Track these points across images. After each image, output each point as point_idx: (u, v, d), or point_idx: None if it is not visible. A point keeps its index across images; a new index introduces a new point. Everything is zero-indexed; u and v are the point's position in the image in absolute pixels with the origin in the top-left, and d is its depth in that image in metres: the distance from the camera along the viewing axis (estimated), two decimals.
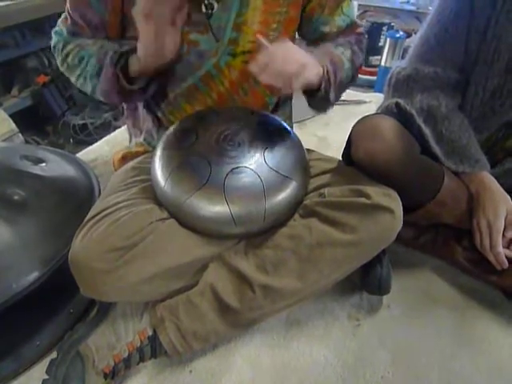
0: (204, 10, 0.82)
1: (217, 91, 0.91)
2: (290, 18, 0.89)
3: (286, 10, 0.87)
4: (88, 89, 0.87)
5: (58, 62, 0.90)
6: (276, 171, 0.79)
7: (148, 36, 0.73)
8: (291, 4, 0.87)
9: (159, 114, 0.95)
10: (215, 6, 0.82)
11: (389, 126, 0.83)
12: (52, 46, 0.90)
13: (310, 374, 0.82)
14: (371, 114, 0.90)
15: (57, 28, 0.90)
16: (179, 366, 0.82)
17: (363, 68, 2.26)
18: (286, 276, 0.79)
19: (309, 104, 0.92)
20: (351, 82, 0.95)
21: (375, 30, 2.21)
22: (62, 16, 0.89)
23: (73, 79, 0.89)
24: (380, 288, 0.91)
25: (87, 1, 0.82)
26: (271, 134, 0.85)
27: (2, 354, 0.80)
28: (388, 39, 2.05)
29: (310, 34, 0.96)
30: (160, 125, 0.96)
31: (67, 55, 0.86)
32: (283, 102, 1.03)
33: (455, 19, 0.86)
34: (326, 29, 0.94)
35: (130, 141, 1.07)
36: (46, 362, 0.78)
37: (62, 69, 0.90)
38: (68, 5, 0.85)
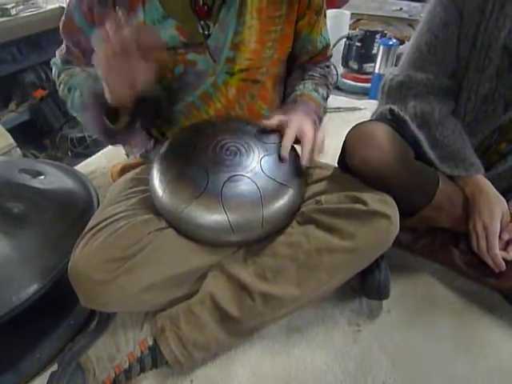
0: (200, 30, 0.83)
1: (214, 108, 0.92)
2: (284, 35, 0.90)
3: (281, 28, 0.88)
4: (80, 120, 0.89)
5: (58, 89, 0.93)
6: (273, 179, 0.80)
7: (109, 84, 0.71)
8: (286, 22, 0.88)
9: (154, 133, 0.96)
10: (211, 26, 0.83)
11: (382, 132, 0.84)
12: (52, 74, 0.95)
13: (311, 381, 0.82)
14: (365, 121, 0.91)
15: (54, 59, 0.94)
16: (180, 376, 0.82)
17: (357, 75, 2.29)
18: (286, 283, 0.79)
19: None
20: None
21: (368, 38, 2.22)
22: (60, 47, 0.92)
23: (68, 107, 0.91)
24: (379, 293, 0.91)
25: (79, 28, 0.85)
26: (267, 142, 0.86)
27: (2, 367, 0.79)
28: (381, 47, 2.07)
29: (295, 51, 0.98)
30: (156, 141, 0.97)
31: (60, 85, 0.90)
32: None
33: (445, 27, 0.88)
34: (310, 47, 0.98)
35: (128, 156, 1.08)
36: (46, 375, 0.78)
37: (60, 95, 0.93)
38: (64, 34, 0.88)
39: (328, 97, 1.02)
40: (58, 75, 0.91)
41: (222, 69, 0.88)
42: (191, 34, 0.83)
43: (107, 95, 0.72)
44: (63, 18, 0.86)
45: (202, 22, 0.83)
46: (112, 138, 0.83)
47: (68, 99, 0.88)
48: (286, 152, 0.81)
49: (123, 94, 0.73)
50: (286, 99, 1.02)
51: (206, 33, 0.84)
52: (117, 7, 0.80)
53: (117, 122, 0.78)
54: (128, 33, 0.63)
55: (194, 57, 0.85)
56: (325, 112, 1.00)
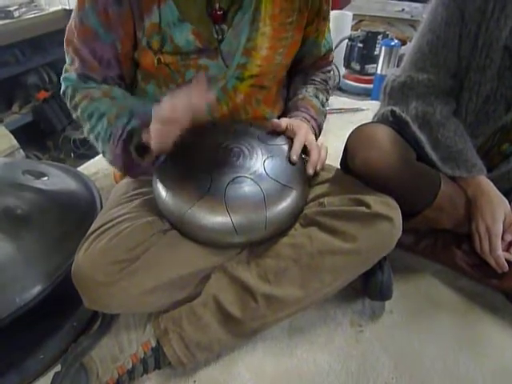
0: (215, 35, 0.83)
1: (220, 112, 0.92)
2: (294, 41, 0.91)
3: (292, 35, 0.88)
4: (98, 148, 0.85)
5: (70, 108, 0.88)
6: (276, 180, 0.80)
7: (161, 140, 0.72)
8: (296, 28, 0.88)
9: None
10: (225, 30, 0.83)
11: (384, 134, 0.84)
12: (61, 92, 0.88)
13: (313, 382, 0.82)
14: (366, 123, 0.91)
15: (65, 74, 0.87)
16: (183, 377, 0.82)
17: (359, 76, 2.29)
18: (288, 285, 0.79)
19: None
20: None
21: (370, 39, 2.22)
22: (67, 61, 0.86)
23: (83, 130, 0.87)
24: (381, 294, 0.91)
25: (95, 34, 0.80)
26: (270, 144, 0.86)
27: (6, 367, 0.80)
28: (383, 47, 2.07)
29: (301, 55, 0.98)
30: None
31: (76, 107, 0.84)
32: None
33: (446, 27, 0.88)
34: (315, 51, 1.00)
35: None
36: (50, 375, 0.78)
37: (73, 116, 0.89)
38: (76, 43, 0.82)
39: (327, 100, 1.05)
40: (73, 94, 0.85)
41: (233, 74, 0.88)
42: (207, 39, 0.83)
43: (153, 147, 0.73)
44: (76, 25, 0.81)
45: (216, 27, 0.82)
46: (132, 170, 0.84)
47: (86, 125, 0.84)
48: (296, 156, 0.83)
49: (169, 145, 0.74)
50: (288, 103, 1.03)
51: (220, 37, 0.83)
52: (132, 7, 0.78)
53: (144, 158, 0.79)
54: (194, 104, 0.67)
55: (207, 62, 0.85)
56: (324, 117, 1.03)
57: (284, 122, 0.89)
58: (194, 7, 0.80)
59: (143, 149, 0.77)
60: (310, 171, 0.85)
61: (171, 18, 0.79)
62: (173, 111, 0.67)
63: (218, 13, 0.81)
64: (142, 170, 0.84)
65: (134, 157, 0.79)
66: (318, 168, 0.86)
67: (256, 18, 0.83)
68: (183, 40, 0.81)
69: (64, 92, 0.88)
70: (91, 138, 0.85)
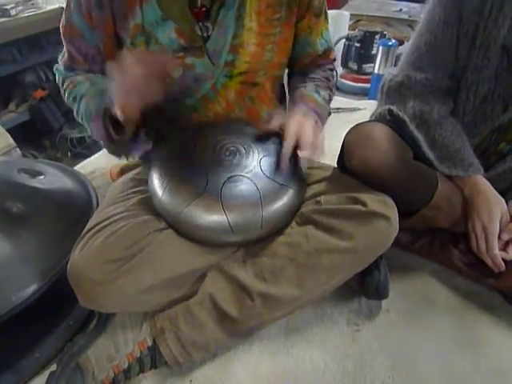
0: (199, 32, 0.82)
1: (214, 111, 0.92)
2: (283, 38, 0.89)
3: (280, 31, 0.87)
4: (86, 128, 0.87)
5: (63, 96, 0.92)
6: (272, 179, 0.80)
7: (121, 106, 0.71)
8: (284, 24, 0.87)
9: (153, 136, 0.95)
10: (210, 28, 0.82)
11: (381, 133, 0.84)
12: (56, 81, 0.93)
13: (310, 381, 0.82)
14: (364, 122, 0.91)
15: (56, 65, 0.92)
16: (179, 376, 0.82)
17: (356, 76, 2.29)
18: (285, 284, 0.79)
19: None
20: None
21: (368, 39, 2.23)
22: (62, 53, 0.90)
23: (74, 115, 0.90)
24: (378, 293, 0.92)
25: (81, 33, 0.83)
26: (267, 143, 0.86)
27: (1, 366, 0.80)
28: (381, 47, 2.07)
29: (295, 53, 0.97)
30: (155, 143, 0.95)
31: (64, 93, 0.89)
32: None
33: (444, 27, 0.88)
34: (310, 50, 0.97)
35: (127, 158, 1.07)
36: (45, 375, 0.78)
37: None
38: (63, 39, 0.86)
39: (331, 99, 1.01)
40: (62, 83, 0.90)
41: (221, 72, 0.87)
42: (190, 37, 0.82)
43: (118, 114, 0.72)
44: (63, 22, 0.84)
45: (200, 24, 0.82)
46: (118, 148, 0.84)
47: (73, 108, 0.87)
48: (285, 160, 0.80)
49: (134, 111, 0.73)
50: (285, 101, 1.02)
51: (205, 35, 0.83)
52: (114, 10, 0.79)
53: (123, 132, 0.78)
54: (151, 61, 0.67)
55: (193, 60, 0.84)
56: (329, 114, 0.99)
57: (275, 122, 0.85)
58: (176, 4, 0.80)
59: (119, 125, 0.77)
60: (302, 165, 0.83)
61: (154, 18, 0.79)
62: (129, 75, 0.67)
63: (201, 10, 0.81)
64: (129, 148, 0.86)
65: (110, 132, 0.78)
66: (315, 158, 0.83)
67: (241, 15, 0.82)
68: (166, 38, 0.81)
69: (57, 81, 0.93)
70: (80, 120, 0.87)
